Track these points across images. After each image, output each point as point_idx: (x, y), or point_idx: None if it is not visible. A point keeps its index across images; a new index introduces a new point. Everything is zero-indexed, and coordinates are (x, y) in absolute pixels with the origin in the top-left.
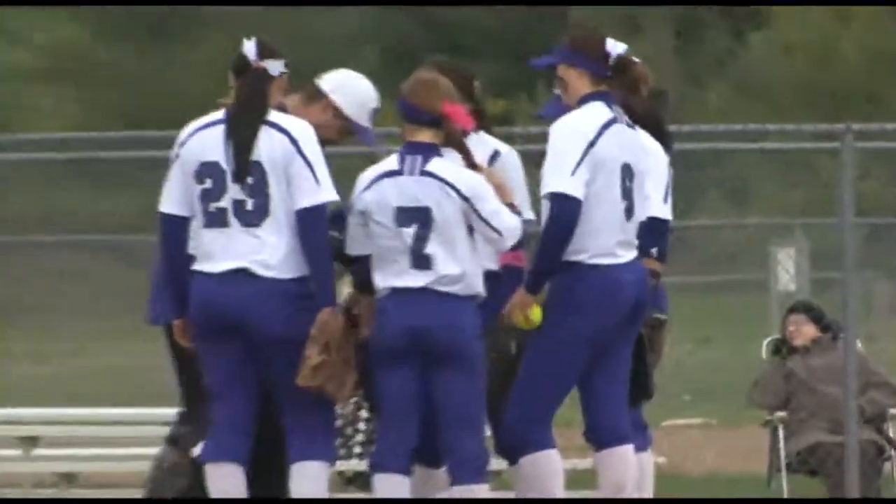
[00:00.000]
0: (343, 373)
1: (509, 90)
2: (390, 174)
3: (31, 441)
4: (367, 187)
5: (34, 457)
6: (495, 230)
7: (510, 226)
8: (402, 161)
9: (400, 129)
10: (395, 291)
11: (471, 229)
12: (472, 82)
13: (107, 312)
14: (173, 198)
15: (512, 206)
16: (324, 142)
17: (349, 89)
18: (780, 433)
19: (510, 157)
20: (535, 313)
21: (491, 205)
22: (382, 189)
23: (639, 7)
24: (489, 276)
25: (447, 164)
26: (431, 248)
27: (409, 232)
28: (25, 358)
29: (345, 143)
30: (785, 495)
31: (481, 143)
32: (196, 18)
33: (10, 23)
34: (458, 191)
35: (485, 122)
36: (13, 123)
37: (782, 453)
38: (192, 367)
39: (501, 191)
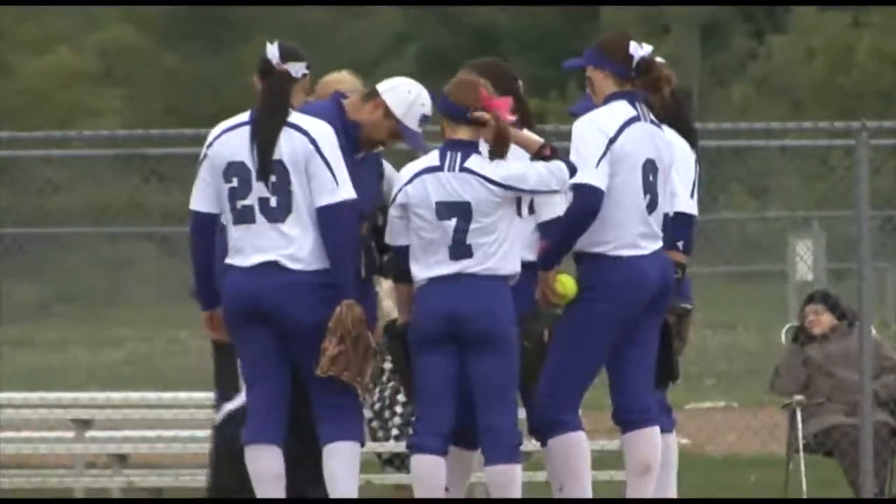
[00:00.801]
0: (361, 362)
1: (542, 89)
2: (431, 170)
3: (85, 423)
4: (409, 182)
5: (87, 438)
6: (552, 192)
7: (558, 178)
8: (442, 157)
9: (439, 128)
10: (434, 280)
11: (516, 211)
12: (516, 82)
13: (155, 300)
14: (203, 196)
15: (542, 150)
16: (373, 142)
17: (400, 91)
18: (798, 416)
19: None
20: (566, 284)
21: (533, 178)
22: (423, 184)
23: (666, 8)
24: (526, 266)
25: (485, 160)
26: (471, 239)
27: (450, 224)
28: (78, 344)
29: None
30: (802, 475)
31: None
32: (243, 22)
33: (70, 28)
34: (497, 183)
35: (529, 121)
36: (73, 123)
37: (800, 435)
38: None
39: (526, 141)
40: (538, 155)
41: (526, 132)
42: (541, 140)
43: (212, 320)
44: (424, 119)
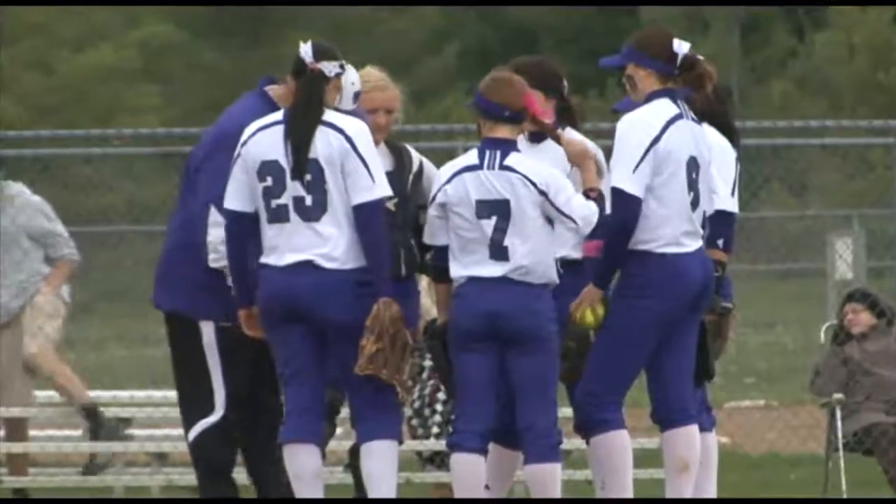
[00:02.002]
0: (399, 360)
1: (580, 87)
2: (470, 168)
3: (125, 422)
4: (448, 181)
5: (127, 437)
6: (571, 220)
7: (583, 214)
8: (481, 156)
9: (476, 126)
10: (473, 280)
11: (549, 220)
12: (562, 82)
13: None
14: (238, 194)
15: (589, 193)
16: None
17: None
18: (838, 414)
19: (597, 154)
20: (598, 312)
21: (564, 196)
22: (463, 182)
23: (705, 7)
24: (571, 264)
25: (525, 158)
26: (509, 239)
27: (489, 224)
28: (118, 343)
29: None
30: (842, 474)
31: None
32: (281, 19)
33: (108, 24)
34: (534, 184)
35: (574, 121)
36: (112, 120)
37: (840, 434)
38: (193, 355)
39: (590, 173)
40: (584, 192)
41: (593, 167)
42: (597, 185)
43: (249, 318)
44: (356, 96)
